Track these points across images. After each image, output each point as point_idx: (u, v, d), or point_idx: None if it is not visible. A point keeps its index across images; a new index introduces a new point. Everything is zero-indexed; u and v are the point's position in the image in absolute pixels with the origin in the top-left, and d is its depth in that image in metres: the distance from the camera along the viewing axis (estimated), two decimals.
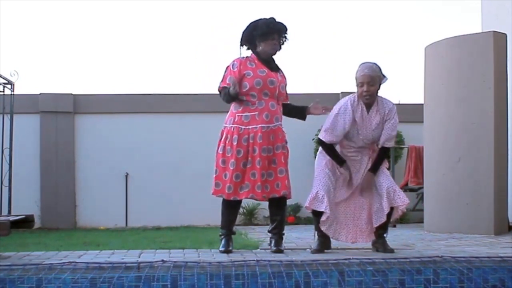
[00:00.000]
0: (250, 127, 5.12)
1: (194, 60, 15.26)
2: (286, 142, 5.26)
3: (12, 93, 8.70)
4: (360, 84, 5.11)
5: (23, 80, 11.76)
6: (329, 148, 5.21)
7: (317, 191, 5.10)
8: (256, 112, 5.14)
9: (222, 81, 5.25)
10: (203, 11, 15.24)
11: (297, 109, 5.46)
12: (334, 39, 14.52)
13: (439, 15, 16.35)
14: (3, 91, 8.63)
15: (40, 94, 9.89)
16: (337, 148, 5.25)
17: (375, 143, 5.24)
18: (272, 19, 5.25)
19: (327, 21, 15.68)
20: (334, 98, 9.59)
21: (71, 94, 9.97)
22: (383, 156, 5.25)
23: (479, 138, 7.01)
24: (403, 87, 15.18)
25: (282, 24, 5.28)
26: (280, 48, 5.32)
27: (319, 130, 9.69)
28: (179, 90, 12.09)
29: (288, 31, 5.31)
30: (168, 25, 15.93)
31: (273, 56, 5.34)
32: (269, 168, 5.11)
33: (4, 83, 8.56)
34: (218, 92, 5.31)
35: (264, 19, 5.25)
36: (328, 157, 5.21)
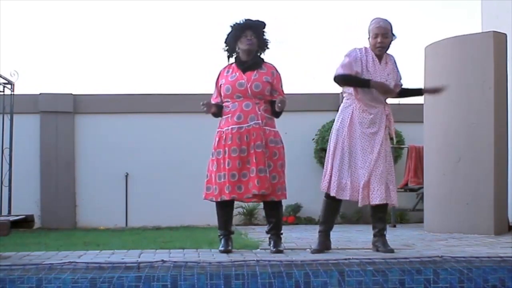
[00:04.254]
0: (225, 129, 5.20)
1: (194, 60, 15.25)
2: (271, 141, 5.18)
3: (12, 93, 8.70)
4: (374, 36, 5.18)
5: (23, 80, 11.72)
6: (349, 78, 5.15)
7: (330, 177, 5.18)
8: (230, 115, 5.21)
9: (212, 97, 5.41)
10: (203, 11, 15.24)
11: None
12: (334, 39, 14.52)
13: (439, 15, 16.34)
14: (3, 91, 8.63)
15: (40, 94, 9.88)
16: (354, 105, 5.19)
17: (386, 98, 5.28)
18: (246, 19, 5.29)
19: (327, 21, 15.68)
20: (334, 98, 9.60)
21: (71, 94, 9.96)
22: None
23: (479, 138, 7.01)
24: (403, 87, 15.12)
25: (255, 20, 5.29)
26: (261, 44, 5.30)
27: (319, 130, 9.76)
28: (179, 90, 12.07)
29: (264, 27, 5.30)
30: (168, 25, 15.93)
31: (262, 56, 5.35)
32: (243, 169, 5.12)
33: (4, 83, 8.57)
34: None
35: (235, 22, 5.31)
36: (347, 138, 5.18)
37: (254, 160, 5.10)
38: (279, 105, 5.13)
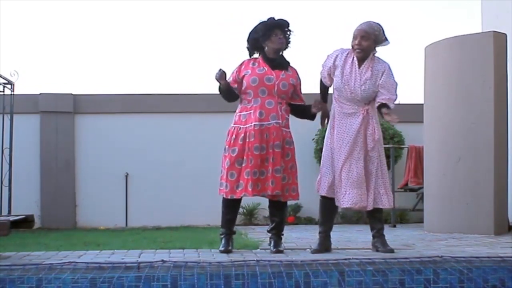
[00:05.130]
0: (246, 126, 5.15)
1: (195, 60, 15.26)
2: (287, 142, 5.22)
3: (12, 93, 8.71)
4: (353, 37, 5.14)
5: (23, 80, 11.75)
6: (322, 85, 5.37)
7: (321, 178, 5.24)
8: (252, 111, 5.17)
9: None
10: (203, 11, 15.24)
11: (304, 109, 5.41)
12: (334, 39, 14.51)
13: (439, 15, 16.35)
14: (3, 91, 8.64)
15: (40, 94, 9.88)
16: (335, 104, 5.25)
17: (365, 102, 5.14)
18: (270, 17, 5.28)
19: (327, 21, 15.69)
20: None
21: (71, 94, 9.96)
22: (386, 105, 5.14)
23: (479, 138, 7.01)
24: (403, 87, 15.14)
25: (281, 19, 5.30)
26: (287, 42, 5.32)
27: (319, 130, 9.75)
28: (179, 90, 12.09)
29: (290, 25, 5.31)
30: (168, 25, 15.93)
31: (284, 54, 5.35)
32: (262, 167, 5.10)
33: (4, 83, 8.57)
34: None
35: (262, 20, 5.29)
36: (329, 138, 5.25)
37: (271, 160, 5.10)
38: (320, 106, 5.24)
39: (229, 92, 5.27)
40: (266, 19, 5.27)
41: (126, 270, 4.11)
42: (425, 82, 7.69)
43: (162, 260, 4.28)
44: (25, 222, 5.53)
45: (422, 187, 8.32)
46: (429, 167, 7.63)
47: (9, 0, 12.84)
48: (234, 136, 5.18)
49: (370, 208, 5.15)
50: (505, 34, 7.28)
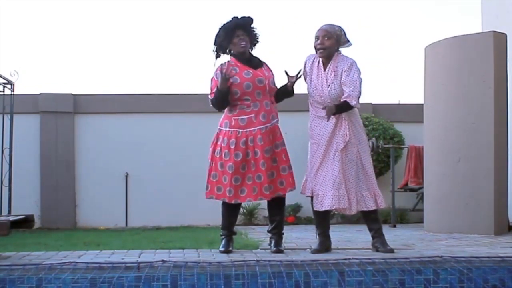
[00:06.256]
0: (248, 130, 5.11)
1: (195, 60, 15.26)
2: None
3: (12, 93, 8.70)
4: (316, 39, 5.17)
5: (23, 80, 11.72)
6: None
7: (307, 178, 5.27)
8: (253, 115, 5.13)
9: (210, 93, 5.25)
10: (203, 11, 15.24)
11: (281, 90, 5.33)
12: None
13: (439, 15, 16.35)
14: (3, 91, 8.63)
15: (40, 94, 9.88)
16: (309, 107, 5.28)
17: (336, 104, 5.10)
18: (233, 17, 5.22)
19: (327, 22, 15.66)
20: None
21: (71, 94, 9.96)
22: (345, 105, 5.07)
23: (479, 138, 7.01)
24: (403, 87, 15.19)
25: (243, 17, 5.24)
26: (253, 41, 5.29)
27: None
28: (179, 90, 12.08)
29: (252, 22, 5.25)
30: (168, 25, 15.93)
31: (252, 52, 5.33)
32: (273, 168, 5.12)
33: (4, 83, 8.57)
34: (211, 105, 5.29)
35: (222, 24, 5.22)
36: (313, 140, 5.24)
37: (284, 158, 5.15)
38: (294, 80, 5.21)
39: (227, 97, 5.17)
40: (226, 21, 5.22)
41: (126, 270, 4.12)
42: (425, 82, 7.70)
43: (162, 260, 4.28)
44: (25, 222, 5.53)
45: (422, 187, 8.32)
46: (429, 167, 7.63)
47: (9, 0, 12.84)
48: (233, 139, 5.11)
49: (354, 211, 5.17)
50: (505, 34, 7.28)
